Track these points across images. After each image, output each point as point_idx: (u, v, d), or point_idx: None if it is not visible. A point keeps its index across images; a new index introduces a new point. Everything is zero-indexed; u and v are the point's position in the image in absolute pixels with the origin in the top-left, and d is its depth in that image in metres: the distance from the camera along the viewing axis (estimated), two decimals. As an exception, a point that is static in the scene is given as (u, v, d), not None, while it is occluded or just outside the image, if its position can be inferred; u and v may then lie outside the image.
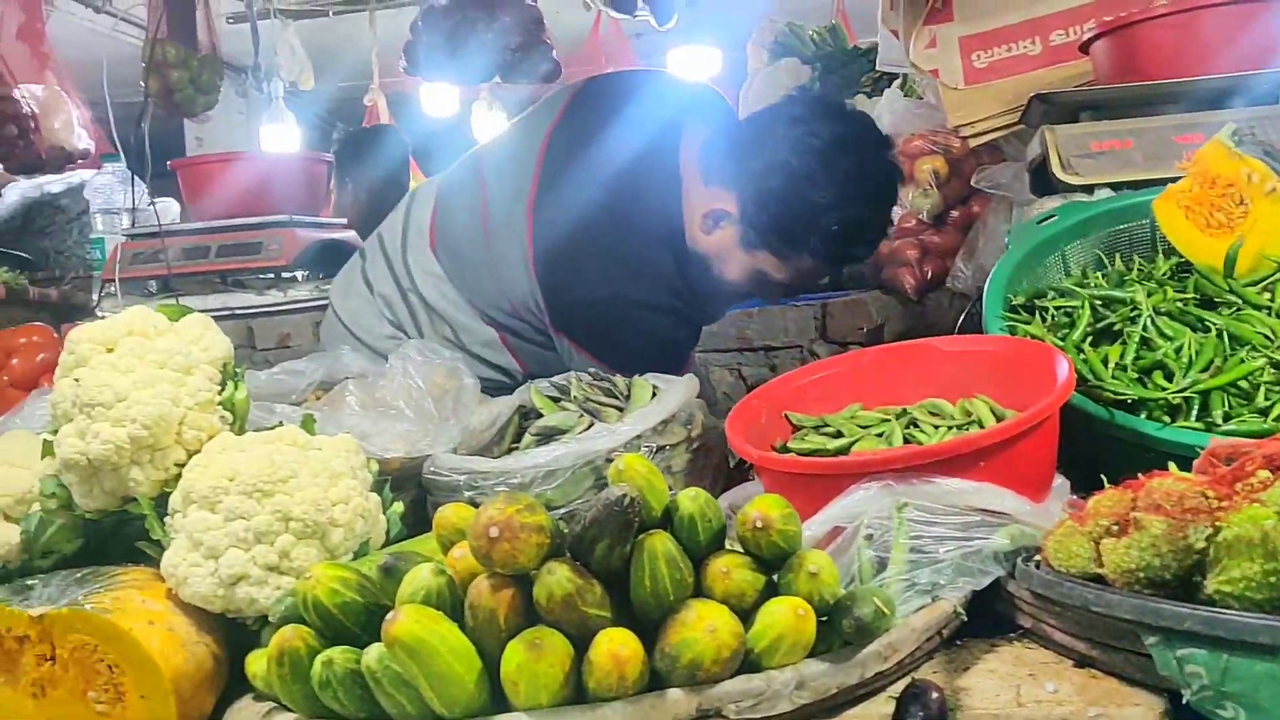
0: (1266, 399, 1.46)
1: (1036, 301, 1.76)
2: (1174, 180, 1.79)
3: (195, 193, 3.77)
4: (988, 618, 1.26)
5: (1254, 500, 1.00)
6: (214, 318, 1.55)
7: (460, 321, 2.22)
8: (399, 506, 1.50)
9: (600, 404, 1.71)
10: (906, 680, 1.14)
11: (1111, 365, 1.56)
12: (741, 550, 1.14)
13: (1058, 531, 1.14)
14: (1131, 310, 1.65)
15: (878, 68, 3.48)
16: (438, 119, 7.27)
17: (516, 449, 1.72)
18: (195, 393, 1.41)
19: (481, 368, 2.17)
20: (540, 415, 1.75)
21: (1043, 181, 2.15)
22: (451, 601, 1.10)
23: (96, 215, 4.15)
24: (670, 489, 1.15)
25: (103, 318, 3.44)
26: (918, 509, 1.26)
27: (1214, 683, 0.96)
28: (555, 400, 1.77)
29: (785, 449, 1.56)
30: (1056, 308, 1.72)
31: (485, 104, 7.37)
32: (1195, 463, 1.14)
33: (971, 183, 2.69)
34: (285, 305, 3.55)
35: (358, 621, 1.14)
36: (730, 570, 1.10)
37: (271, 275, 3.62)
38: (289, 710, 1.16)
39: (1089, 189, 2.03)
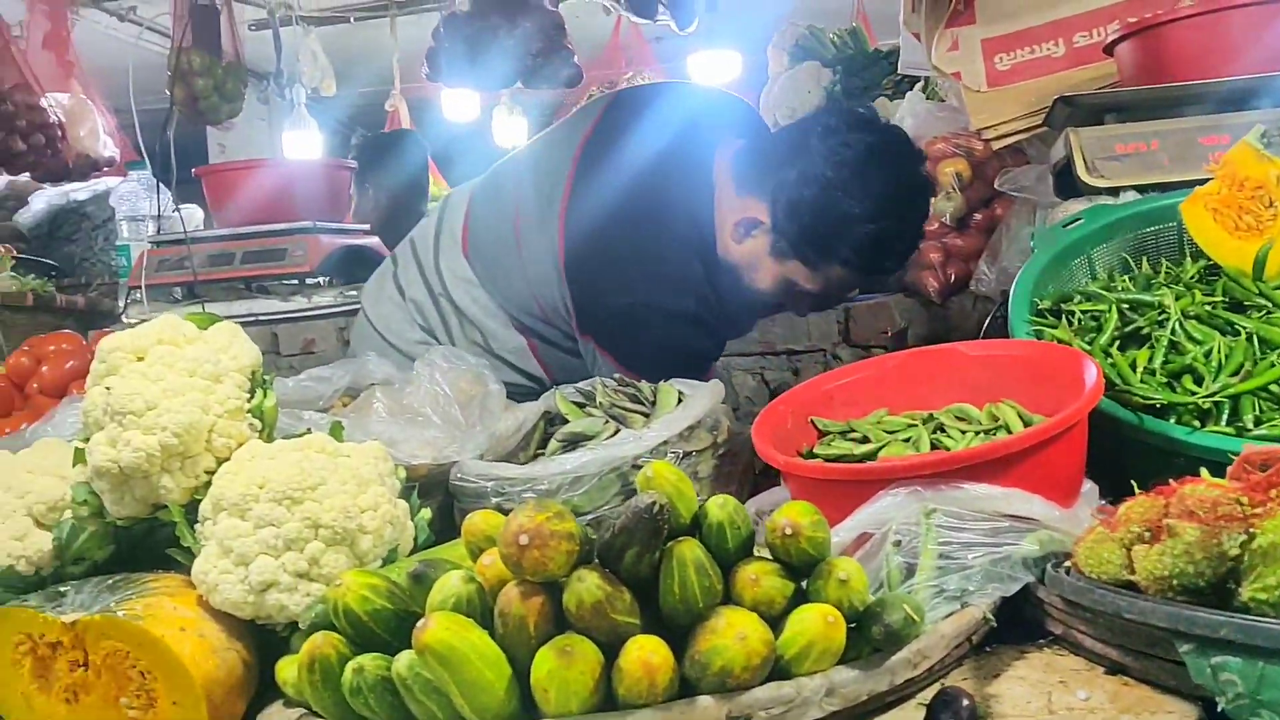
0: (1298, 403, 1.45)
1: (1063, 305, 1.75)
2: (1200, 182, 1.78)
3: (220, 200, 3.78)
4: (1017, 624, 1.26)
5: (1288, 507, 0.99)
6: (239, 324, 1.56)
7: (490, 327, 2.24)
8: (427, 513, 1.51)
9: (626, 410, 1.71)
10: (936, 687, 1.14)
11: (1140, 369, 1.55)
12: (770, 557, 1.14)
13: (1088, 538, 1.14)
14: (1159, 314, 1.64)
15: (899, 71, 3.46)
16: (459, 124, 7.30)
17: (542, 455, 1.72)
18: (225, 400, 1.42)
19: (510, 373, 2.18)
20: (565, 421, 1.75)
21: (1067, 184, 2.14)
22: (481, 609, 1.10)
23: (122, 222, 4.17)
24: (697, 495, 1.15)
25: (129, 324, 3.47)
26: (946, 515, 1.26)
27: (1249, 691, 0.96)
28: (581, 406, 1.78)
29: (811, 454, 1.56)
30: (1083, 312, 1.71)
31: (506, 109, 7.40)
32: (1229, 469, 1.14)
33: (995, 185, 2.67)
34: (309, 311, 3.57)
35: (388, 628, 1.14)
36: (759, 577, 1.10)
37: (296, 281, 3.63)
38: (320, 716, 1.16)
39: (1114, 191, 2.02)
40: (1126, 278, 1.81)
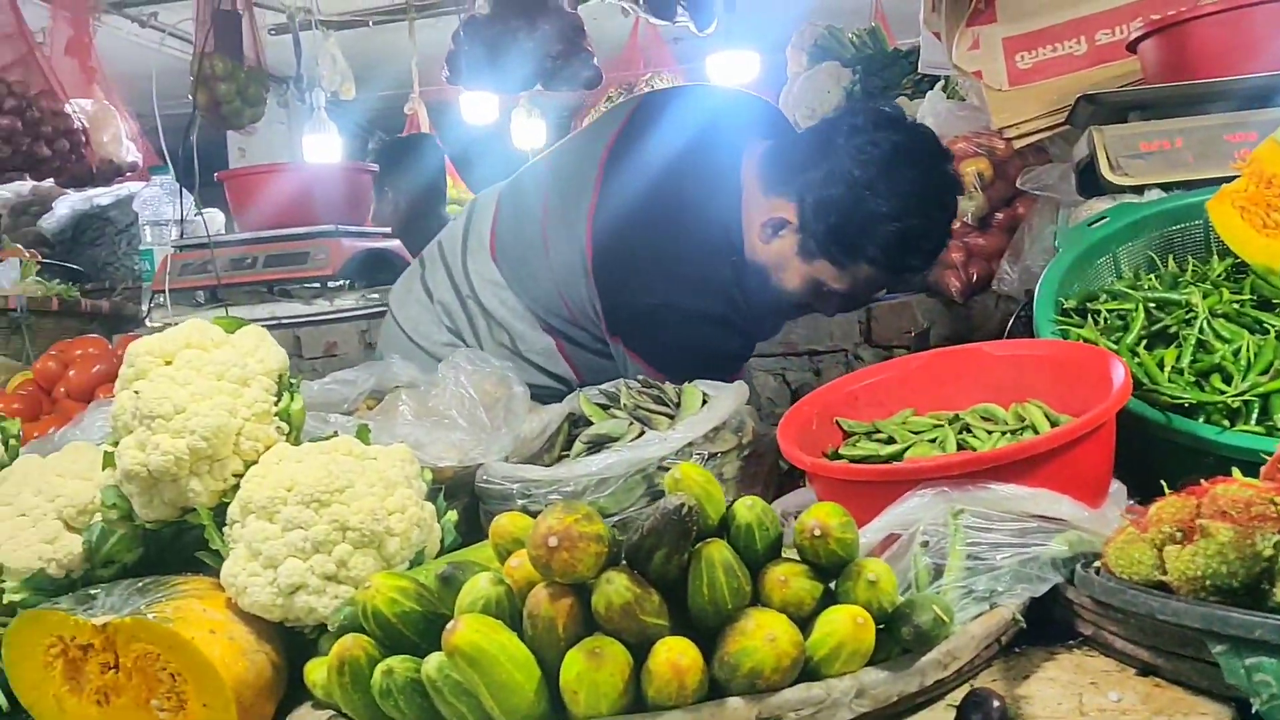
0: (1328, 401, 1.44)
1: (1088, 304, 1.74)
2: (1226, 180, 1.77)
3: (242, 203, 3.80)
4: (1046, 625, 1.25)
5: (1323, 506, 0.98)
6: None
7: (519, 329, 2.24)
8: (453, 515, 1.51)
9: (650, 411, 1.71)
10: (966, 688, 1.13)
11: (1168, 368, 1.54)
12: (798, 558, 1.14)
13: (1118, 538, 1.13)
14: (1187, 312, 1.63)
15: (920, 70, 3.46)
16: (478, 126, 7.32)
17: (566, 457, 1.72)
18: (252, 404, 1.43)
19: (538, 375, 2.19)
20: (589, 423, 1.76)
21: (1090, 182, 2.13)
22: (510, 611, 1.10)
23: (145, 227, 4.19)
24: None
25: (153, 327, 3.50)
26: (974, 515, 1.25)
27: (1284, 691, 0.95)
28: (605, 408, 1.78)
29: (837, 455, 1.56)
30: (1109, 311, 1.71)
31: (524, 111, 7.42)
32: (1262, 469, 1.13)
33: (1017, 184, 2.67)
34: (332, 314, 3.58)
35: (417, 630, 1.14)
36: (788, 579, 1.10)
37: (318, 284, 3.65)
38: (349, 718, 1.17)
39: (1138, 190, 2.01)
40: (1153, 276, 1.80)
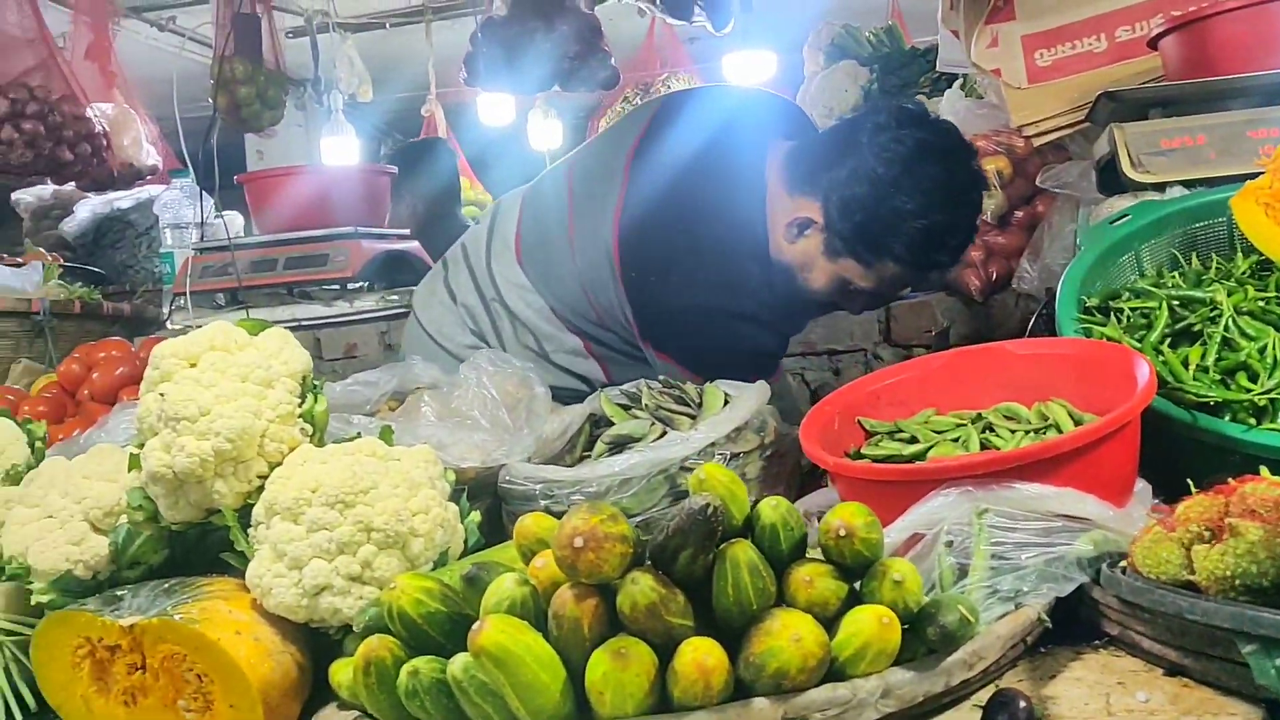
0: (1355, 399, 1.43)
1: (1111, 303, 1.74)
2: (1249, 176, 1.76)
3: (262, 206, 3.81)
4: (1071, 625, 1.25)
5: (1352, 505, 0.98)
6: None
7: (546, 331, 2.25)
8: (476, 516, 1.52)
9: (672, 412, 1.71)
10: (992, 688, 1.13)
11: (1192, 367, 1.53)
12: (823, 558, 1.14)
13: (1145, 537, 1.13)
14: (1211, 310, 1.62)
15: (938, 69, 3.45)
16: (495, 128, 7.33)
17: (588, 457, 1.72)
18: (276, 406, 1.43)
19: (565, 377, 2.19)
20: (611, 423, 1.76)
21: (1111, 180, 2.12)
22: (535, 611, 1.11)
23: (165, 230, 4.21)
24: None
25: (174, 330, 3.51)
26: (998, 515, 1.25)
27: (1314, 691, 0.94)
28: (626, 408, 1.78)
29: (859, 455, 1.55)
30: (1132, 309, 1.70)
31: (541, 112, 7.42)
32: (1291, 467, 1.12)
33: (1037, 182, 2.65)
34: (351, 316, 3.59)
35: (442, 631, 1.15)
36: (813, 579, 1.10)
37: (337, 286, 3.66)
38: (375, 719, 1.17)
39: (1160, 187, 2.00)
40: (1176, 274, 1.79)
